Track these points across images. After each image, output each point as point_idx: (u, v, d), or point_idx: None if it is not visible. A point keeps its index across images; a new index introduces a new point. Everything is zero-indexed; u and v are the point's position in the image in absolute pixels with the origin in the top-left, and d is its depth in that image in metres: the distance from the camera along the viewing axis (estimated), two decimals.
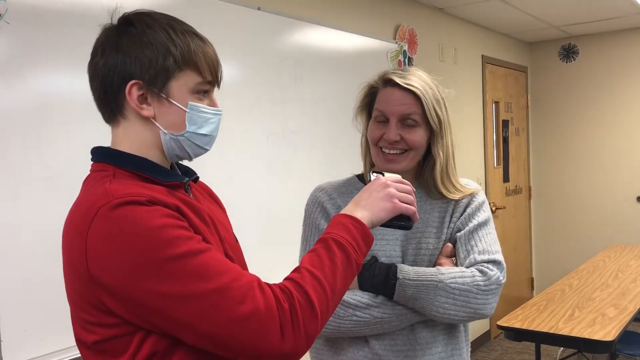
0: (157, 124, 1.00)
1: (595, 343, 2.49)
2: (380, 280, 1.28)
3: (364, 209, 1.08)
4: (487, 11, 4.30)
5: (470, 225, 1.36)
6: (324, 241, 1.01)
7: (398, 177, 1.17)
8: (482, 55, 4.80)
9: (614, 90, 5.23)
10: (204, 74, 1.01)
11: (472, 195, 1.41)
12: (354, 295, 1.28)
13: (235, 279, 0.90)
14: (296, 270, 0.98)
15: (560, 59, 5.47)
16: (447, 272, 1.29)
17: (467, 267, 1.31)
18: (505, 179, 5.21)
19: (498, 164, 5.12)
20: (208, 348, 0.91)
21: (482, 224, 1.37)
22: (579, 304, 2.99)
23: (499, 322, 2.80)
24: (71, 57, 1.86)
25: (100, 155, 1.03)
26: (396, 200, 1.10)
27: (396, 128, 1.33)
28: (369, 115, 1.42)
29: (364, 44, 3.28)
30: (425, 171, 1.40)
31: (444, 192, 1.38)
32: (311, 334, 0.93)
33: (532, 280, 5.67)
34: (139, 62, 0.97)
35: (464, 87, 4.53)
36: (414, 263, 1.35)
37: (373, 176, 1.17)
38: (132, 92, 0.98)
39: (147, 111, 0.99)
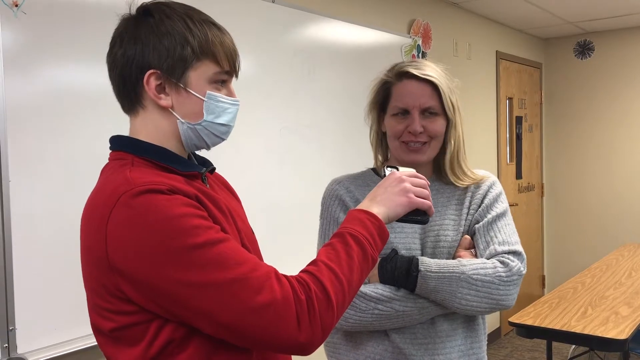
0: (174, 113, 1.01)
1: (608, 341, 2.47)
2: (402, 272, 1.27)
3: (379, 204, 1.08)
4: (501, 6, 4.27)
5: (489, 216, 1.37)
6: (341, 235, 1.02)
7: (413, 171, 1.16)
8: (497, 51, 4.77)
9: (629, 87, 5.17)
10: (222, 64, 1.01)
11: (489, 186, 1.41)
12: (376, 289, 1.28)
13: (253, 269, 0.91)
14: (313, 263, 0.99)
15: (575, 55, 5.42)
16: (469, 263, 1.29)
17: (488, 259, 1.31)
18: (518, 175, 5.18)
19: (511, 160, 5.09)
20: (225, 337, 0.91)
21: (501, 215, 1.37)
22: (591, 302, 2.96)
23: (511, 319, 2.78)
24: (87, 48, 1.86)
25: (119, 144, 1.03)
26: (412, 195, 1.10)
27: (419, 119, 1.34)
28: (381, 111, 1.42)
29: (377, 38, 3.27)
30: (439, 160, 1.41)
31: (454, 179, 1.40)
32: (327, 326, 0.93)
33: (543, 277, 5.64)
34: (157, 52, 0.97)
35: (478, 82, 4.50)
36: (433, 255, 1.35)
37: (388, 171, 1.16)
38: (150, 81, 0.98)
39: (165, 101, 0.99)
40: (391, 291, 1.28)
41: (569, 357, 3.76)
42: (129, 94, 1.01)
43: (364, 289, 1.28)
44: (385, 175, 1.15)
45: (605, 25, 5.04)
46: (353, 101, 2.91)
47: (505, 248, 1.32)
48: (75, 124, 1.85)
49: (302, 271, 0.97)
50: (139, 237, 0.88)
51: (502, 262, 1.30)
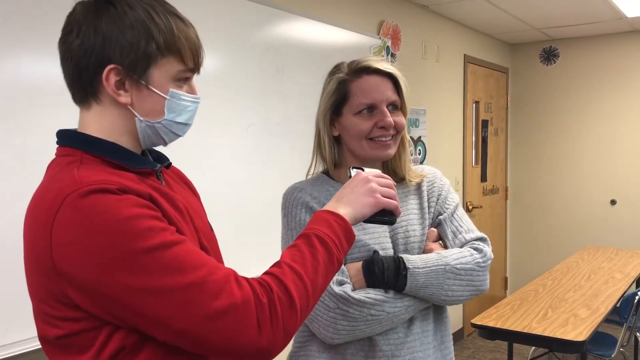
0: (133, 110, 0.95)
1: (567, 343, 2.52)
2: (391, 273, 1.26)
3: (346, 205, 1.06)
4: (470, 10, 4.31)
5: (450, 207, 1.41)
6: (306, 237, 0.99)
7: (378, 171, 1.15)
8: (465, 55, 4.82)
9: (593, 94, 5.29)
10: (187, 61, 0.96)
11: (440, 179, 1.45)
12: (367, 294, 1.25)
13: (211, 272, 0.87)
14: (276, 264, 0.95)
15: (540, 61, 5.52)
16: (449, 254, 1.31)
17: (460, 247, 1.35)
18: (483, 178, 5.25)
19: (476, 163, 5.15)
20: (181, 345, 0.88)
21: (458, 205, 1.44)
22: (552, 304, 3.01)
23: (473, 320, 2.81)
24: (43, 38, 1.80)
25: (67, 138, 0.97)
26: (378, 195, 1.08)
27: (388, 113, 1.32)
28: (333, 114, 1.36)
29: (347, 38, 3.26)
30: (395, 157, 1.40)
31: (407, 176, 1.41)
32: (290, 330, 0.90)
33: (506, 279, 5.73)
34: (119, 46, 0.91)
35: (446, 85, 4.54)
36: (405, 252, 1.34)
37: (353, 172, 1.15)
38: (110, 77, 0.92)
39: (124, 98, 0.94)
40: (382, 294, 1.26)
41: (529, 358, 3.82)
42: (83, 87, 0.95)
43: (356, 295, 1.23)
44: (350, 177, 1.14)
45: (570, 33, 5.14)
46: (319, 116, 2.89)
47: (473, 235, 1.37)
48: (29, 117, 1.78)
49: (264, 273, 0.94)
50: (87, 241, 0.83)
51: (476, 249, 1.34)
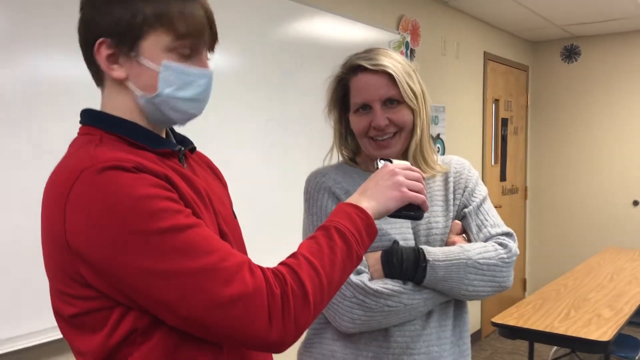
0: (132, 86, 0.93)
1: (591, 343, 2.46)
2: (410, 265, 1.22)
3: (370, 198, 1.02)
4: (491, 6, 4.26)
5: (477, 199, 1.36)
6: (326, 229, 0.95)
7: (407, 163, 1.11)
8: (484, 52, 4.76)
9: (614, 93, 5.20)
10: (179, 31, 0.91)
11: (468, 170, 1.40)
12: (385, 284, 1.22)
13: (223, 258, 0.84)
14: (292, 255, 0.92)
15: (562, 59, 5.44)
16: (472, 248, 1.27)
17: (484, 242, 1.30)
18: (502, 177, 5.18)
19: (495, 162, 5.09)
20: (189, 330, 0.85)
21: (485, 198, 1.38)
22: (574, 304, 2.95)
23: (494, 319, 2.76)
24: (64, 35, 1.79)
25: (89, 118, 0.96)
26: (405, 189, 1.04)
27: (382, 112, 1.28)
28: (343, 109, 1.37)
29: (366, 33, 3.23)
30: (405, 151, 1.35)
31: (432, 168, 1.35)
32: (301, 325, 0.87)
33: (524, 280, 5.65)
34: (109, 18, 0.89)
35: (465, 82, 4.48)
36: (427, 244, 1.30)
37: (380, 163, 1.11)
38: (101, 50, 0.90)
39: (118, 72, 0.91)
40: (400, 285, 1.22)
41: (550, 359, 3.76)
42: (90, 65, 0.94)
43: (373, 285, 1.21)
44: (377, 168, 1.10)
45: (592, 30, 5.06)
46: (326, 114, 2.86)
47: (499, 230, 1.33)
48: (48, 114, 1.78)
49: (280, 264, 0.91)
50: (99, 218, 0.81)
51: (501, 244, 1.29)
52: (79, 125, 0.97)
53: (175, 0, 0.91)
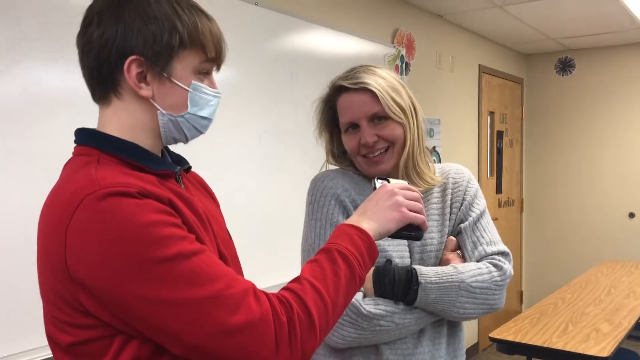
0: (155, 104, 0.92)
1: (590, 359, 2.43)
2: (401, 286, 1.20)
3: (370, 219, 1.00)
4: (486, 20, 4.27)
5: (473, 215, 1.33)
6: (328, 252, 0.94)
7: (405, 183, 1.10)
8: (479, 65, 4.77)
9: (609, 106, 5.21)
10: (209, 54, 0.94)
11: (467, 182, 1.36)
12: (377, 305, 1.20)
13: (229, 285, 0.82)
14: (296, 280, 0.90)
15: (556, 72, 5.45)
16: (465, 270, 1.24)
17: (478, 261, 1.27)
18: (498, 190, 5.17)
19: (491, 174, 5.08)
20: (193, 359, 0.83)
21: (483, 212, 1.34)
22: (572, 318, 2.93)
23: (492, 334, 2.73)
24: (56, 46, 1.77)
25: (85, 137, 0.94)
26: (404, 209, 1.02)
27: (369, 129, 1.26)
28: (333, 130, 1.36)
29: (361, 46, 3.22)
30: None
31: (428, 182, 1.32)
32: (308, 352, 0.85)
33: (521, 293, 5.62)
34: (141, 37, 0.88)
35: (460, 95, 4.48)
36: (421, 260, 1.29)
37: (378, 183, 1.09)
38: (132, 69, 0.89)
39: (146, 91, 0.91)
40: (392, 305, 1.21)
41: None
42: (104, 81, 0.91)
43: (366, 305, 1.19)
44: (375, 188, 1.08)
45: (586, 43, 5.08)
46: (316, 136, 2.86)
47: (495, 249, 1.29)
48: (42, 124, 1.75)
49: (283, 289, 0.89)
50: (103, 246, 0.79)
51: (495, 265, 1.26)
52: (74, 145, 0.95)
53: (203, 21, 0.94)
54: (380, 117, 1.27)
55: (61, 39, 1.76)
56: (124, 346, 0.84)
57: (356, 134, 1.28)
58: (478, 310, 1.24)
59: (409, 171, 1.31)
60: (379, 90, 1.25)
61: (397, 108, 1.27)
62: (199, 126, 0.97)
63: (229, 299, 0.81)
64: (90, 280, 0.80)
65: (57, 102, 1.78)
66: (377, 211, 1.02)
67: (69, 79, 1.79)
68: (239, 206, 2.44)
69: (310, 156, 2.80)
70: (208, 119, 0.98)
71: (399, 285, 1.20)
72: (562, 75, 5.42)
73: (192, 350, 0.81)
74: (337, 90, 1.31)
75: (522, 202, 5.63)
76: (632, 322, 2.85)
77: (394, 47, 3.55)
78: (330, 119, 1.35)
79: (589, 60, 5.29)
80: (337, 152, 1.39)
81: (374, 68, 1.31)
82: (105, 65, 0.90)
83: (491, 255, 1.28)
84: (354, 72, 1.29)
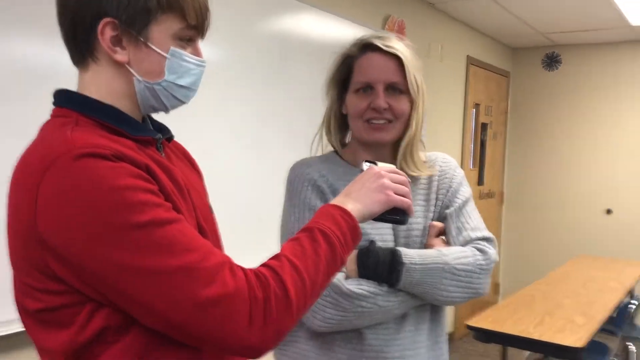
0: (131, 70, 0.89)
1: (565, 349, 2.47)
2: (385, 267, 1.19)
3: (355, 200, 0.99)
4: (476, 10, 4.27)
5: (459, 201, 1.32)
6: (309, 230, 0.92)
7: (392, 167, 1.09)
8: (467, 56, 4.78)
9: (593, 103, 5.27)
10: (189, 19, 0.90)
11: (453, 169, 1.36)
12: (360, 285, 1.18)
13: (204, 257, 0.80)
14: (275, 257, 0.88)
15: (543, 66, 5.49)
16: (449, 253, 1.23)
17: (463, 246, 1.27)
18: (480, 182, 5.21)
19: (474, 166, 5.11)
20: (163, 331, 0.81)
21: (469, 199, 1.34)
22: (548, 310, 2.97)
23: (469, 322, 2.76)
24: (38, 21, 1.73)
25: (63, 99, 0.90)
26: (390, 192, 1.01)
27: (384, 96, 1.25)
28: (342, 89, 1.32)
29: (352, 30, 3.20)
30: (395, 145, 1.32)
31: (404, 167, 1.29)
32: (283, 330, 0.84)
33: (497, 285, 5.70)
34: None
35: (448, 86, 4.49)
36: (406, 246, 1.28)
37: (365, 166, 1.09)
38: (105, 32, 0.86)
39: (121, 55, 0.87)
40: (375, 286, 1.19)
41: None
42: (80, 44, 0.88)
43: (348, 285, 1.17)
44: (362, 170, 1.07)
45: (574, 39, 5.12)
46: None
47: (479, 234, 1.29)
48: (21, 100, 1.71)
49: (262, 265, 0.87)
50: (74, 208, 0.76)
51: (480, 250, 1.26)
52: (52, 107, 0.92)
53: None
54: (396, 88, 1.26)
55: (43, 11, 1.72)
56: (93, 314, 0.81)
57: (367, 96, 1.26)
58: (462, 294, 1.23)
59: (406, 154, 1.30)
60: (407, 61, 1.25)
61: (415, 84, 1.26)
62: (180, 95, 0.93)
63: (203, 272, 0.79)
64: (60, 243, 0.78)
65: (37, 75, 1.74)
66: (362, 193, 1.00)
67: (49, 50, 1.75)
68: (222, 185, 2.42)
69: (299, 139, 2.78)
70: (188, 89, 0.94)
71: (382, 266, 1.19)
72: (549, 71, 5.46)
73: (161, 322, 0.79)
74: (363, 48, 1.28)
75: (502, 195, 5.68)
76: (606, 315, 2.91)
77: (385, 33, 3.53)
78: (343, 76, 1.31)
79: (575, 56, 5.33)
80: (337, 115, 1.35)
81: (403, 39, 1.29)
82: (81, 27, 0.87)
83: (475, 240, 1.27)
84: (385, 36, 1.28)
